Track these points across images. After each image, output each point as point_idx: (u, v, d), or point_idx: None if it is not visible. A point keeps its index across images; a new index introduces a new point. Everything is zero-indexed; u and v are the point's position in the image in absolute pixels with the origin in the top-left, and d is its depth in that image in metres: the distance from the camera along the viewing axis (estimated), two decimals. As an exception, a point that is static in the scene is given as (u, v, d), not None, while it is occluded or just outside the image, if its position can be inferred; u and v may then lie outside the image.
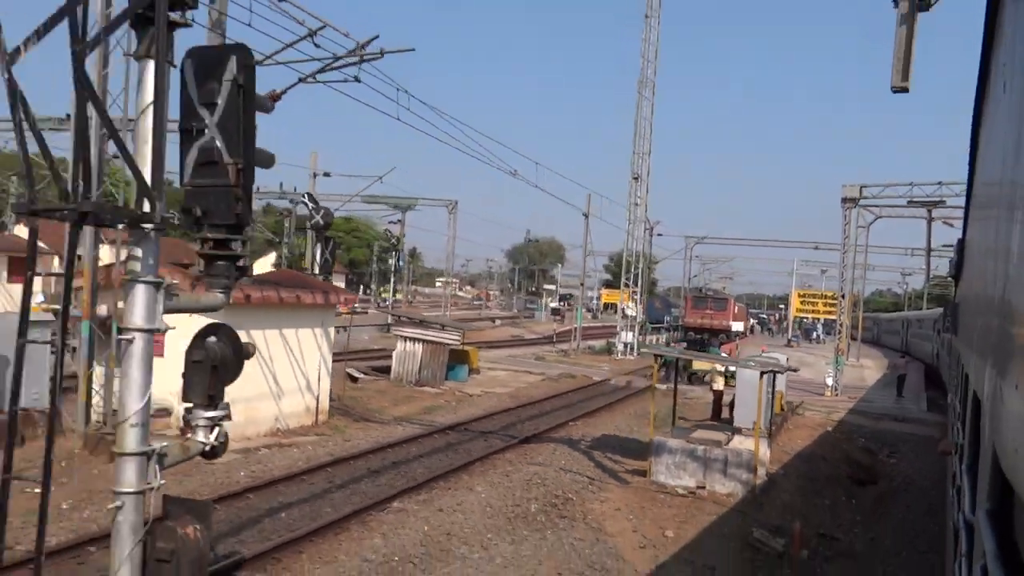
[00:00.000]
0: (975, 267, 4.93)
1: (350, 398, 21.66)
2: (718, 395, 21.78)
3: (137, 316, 4.54)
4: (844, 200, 33.08)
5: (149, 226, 4.41)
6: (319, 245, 22.51)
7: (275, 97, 13.75)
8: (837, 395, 31.12)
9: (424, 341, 26.88)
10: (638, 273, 49.91)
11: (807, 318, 61.03)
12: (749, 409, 16.59)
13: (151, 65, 4.32)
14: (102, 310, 15.35)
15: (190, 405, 5.32)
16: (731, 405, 19.64)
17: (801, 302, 51.83)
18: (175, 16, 4.40)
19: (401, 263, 72.58)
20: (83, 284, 14.84)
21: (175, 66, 4.54)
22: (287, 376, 17.57)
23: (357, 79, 15.19)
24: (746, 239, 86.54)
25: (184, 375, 5.19)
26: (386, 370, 26.76)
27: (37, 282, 36.74)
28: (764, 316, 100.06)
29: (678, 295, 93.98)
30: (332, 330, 19.39)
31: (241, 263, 5.13)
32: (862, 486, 17.35)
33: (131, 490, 4.48)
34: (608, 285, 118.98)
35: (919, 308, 73.23)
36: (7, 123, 30.07)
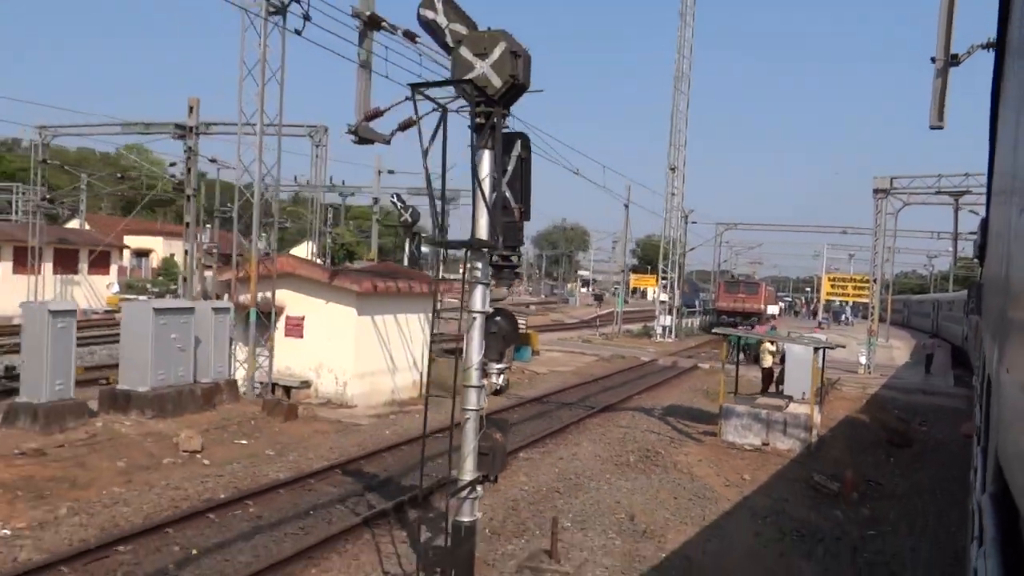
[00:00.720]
0: (994, 248, 4.99)
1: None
2: (767, 372, 24.36)
3: (476, 304, 7.31)
4: (876, 191, 35.40)
5: (485, 249, 7.20)
6: (408, 240, 25.36)
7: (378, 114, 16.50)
8: (870, 373, 33.59)
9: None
10: (675, 261, 52.37)
11: (837, 301, 63.12)
12: (798, 381, 19.21)
13: (487, 154, 7.09)
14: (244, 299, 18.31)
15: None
16: (779, 380, 22.24)
17: (831, 285, 54.01)
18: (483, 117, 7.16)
19: (424, 249, 75.38)
20: (251, 279, 17.79)
21: (491, 150, 7.30)
22: (400, 355, 20.48)
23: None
24: (775, 224, 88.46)
25: (486, 340, 7.84)
26: (453, 352, 29.63)
27: (112, 273, 40.28)
28: (789, 299, 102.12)
29: (702, 278, 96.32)
30: (425, 315, 22.29)
31: (517, 269, 7.90)
32: (899, 448, 19.94)
33: (473, 408, 7.30)
34: (635, 270, 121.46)
35: (944, 290, 75.07)
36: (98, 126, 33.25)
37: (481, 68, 6.99)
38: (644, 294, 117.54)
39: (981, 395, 5.42)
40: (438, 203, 7.06)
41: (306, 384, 18.58)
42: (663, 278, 52.22)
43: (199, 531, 9.70)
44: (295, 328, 18.58)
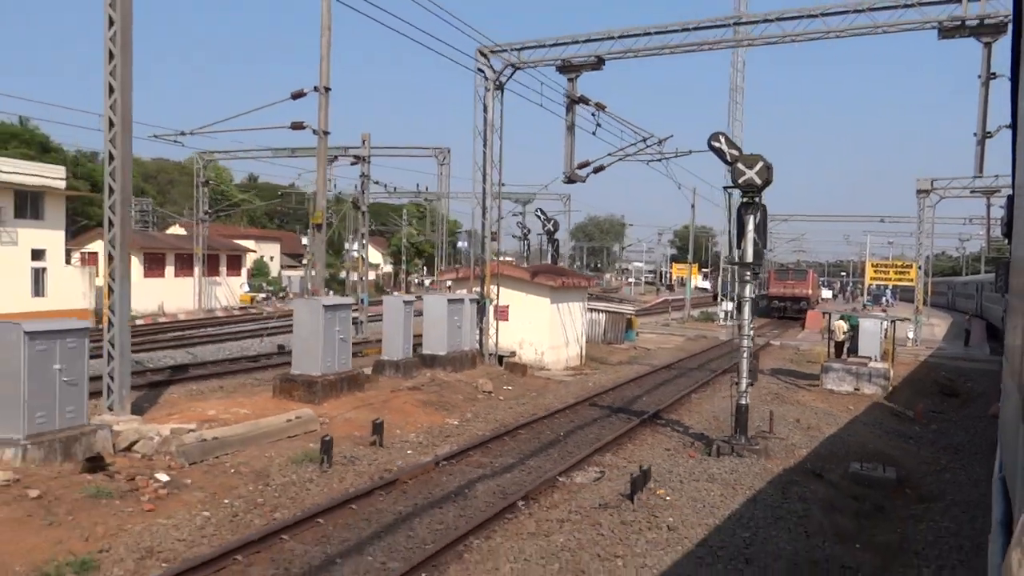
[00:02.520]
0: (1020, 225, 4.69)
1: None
2: (839, 344, 31.03)
3: (745, 292, 14.16)
4: (918, 191, 41.86)
5: (747, 272, 14.02)
6: (550, 246, 32.32)
7: (593, 168, 23.45)
8: (916, 345, 40.07)
9: (607, 312, 36.59)
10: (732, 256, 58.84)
11: (878, 285, 69.08)
12: (869, 348, 25.81)
13: (751, 217, 13.88)
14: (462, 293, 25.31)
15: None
16: (849, 349, 28.85)
17: (875, 270, 60.07)
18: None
19: (465, 245, 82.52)
20: (469, 279, 24.79)
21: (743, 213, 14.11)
22: (571, 333, 27.47)
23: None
24: (820, 216, 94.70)
25: (740, 310, 14.62)
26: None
27: (243, 275, 49.12)
28: (824, 283, 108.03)
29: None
30: (586, 303, 29.26)
31: (757, 280, 14.75)
32: (949, 396, 26.57)
33: (747, 347, 14.14)
34: (675, 260, 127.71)
35: (976, 271, 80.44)
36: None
37: (750, 174, 13.83)
38: (682, 282, 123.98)
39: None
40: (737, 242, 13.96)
41: (512, 354, 25.62)
42: (703, 268, 58.73)
43: (546, 426, 16.68)
44: (503, 313, 25.58)
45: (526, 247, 68.09)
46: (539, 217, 32.06)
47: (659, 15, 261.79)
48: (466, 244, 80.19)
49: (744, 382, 14.58)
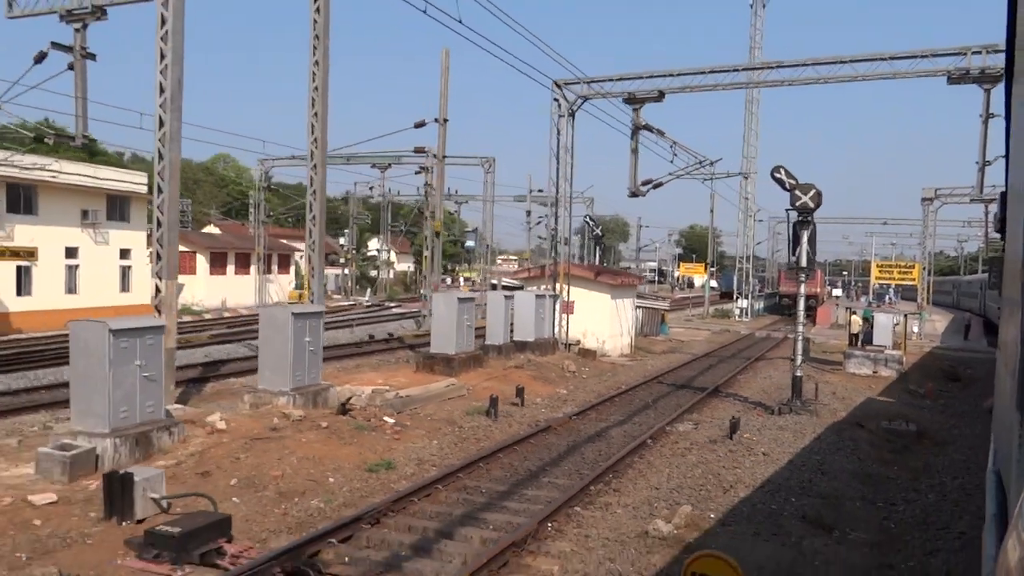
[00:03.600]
0: (1014, 221, 4.72)
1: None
2: (853, 335, 35.27)
3: (801, 289, 18.40)
4: (923, 199, 46.18)
5: (803, 274, 18.23)
6: (597, 248, 36.52)
7: (654, 184, 27.67)
8: (920, 339, 44.34)
9: (644, 308, 40.79)
10: (749, 256, 63.10)
11: (882, 284, 73.38)
12: (882, 338, 30.05)
13: (805, 233, 18.07)
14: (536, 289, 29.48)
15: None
16: (863, 340, 33.07)
17: (880, 270, 64.23)
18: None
19: (472, 244, 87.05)
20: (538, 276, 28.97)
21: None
22: (624, 324, 31.69)
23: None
24: (826, 218, 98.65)
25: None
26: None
27: (292, 273, 54.27)
28: (828, 281, 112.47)
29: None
30: (635, 299, 33.45)
31: (808, 279, 18.98)
32: (951, 380, 30.81)
33: (801, 334, 18.36)
34: (682, 259, 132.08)
35: (974, 271, 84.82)
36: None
37: (804, 199, 18.06)
38: (691, 282, 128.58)
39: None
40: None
41: (577, 342, 29.82)
42: (711, 267, 63.15)
43: (633, 396, 20.88)
44: (569, 307, 29.78)
45: (552, 247, 71.89)
46: (588, 223, 36.20)
47: (709, 53, 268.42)
48: (474, 243, 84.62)
49: (799, 358, 18.82)
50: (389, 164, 48.55)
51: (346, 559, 8.84)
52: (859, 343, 33.03)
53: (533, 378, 21.62)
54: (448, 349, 20.85)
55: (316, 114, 17.82)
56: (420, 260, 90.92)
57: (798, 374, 18.92)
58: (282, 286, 60.08)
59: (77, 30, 19.67)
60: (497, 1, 20.50)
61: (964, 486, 13.20)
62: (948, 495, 12.72)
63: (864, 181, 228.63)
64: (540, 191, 53.46)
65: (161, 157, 15.24)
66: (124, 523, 9.43)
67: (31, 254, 37.86)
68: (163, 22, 14.63)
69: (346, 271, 74.36)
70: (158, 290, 15.77)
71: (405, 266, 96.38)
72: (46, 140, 20.12)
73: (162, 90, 14.78)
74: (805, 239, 18.26)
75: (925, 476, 13.89)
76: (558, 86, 27.63)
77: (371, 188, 54.37)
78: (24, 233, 37.31)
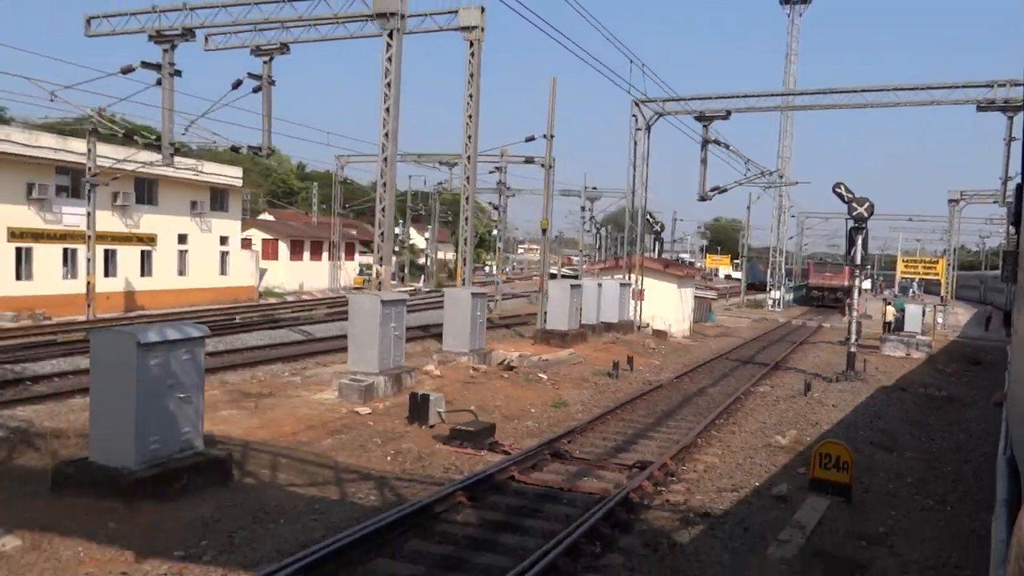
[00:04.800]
0: None
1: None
2: (887, 323, 39.66)
3: (858, 283, 22.92)
4: (950, 200, 50.40)
5: (858, 270, 22.75)
6: (657, 243, 41.04)
7: (720, 191, 32.17)
8: (943, 329, 48.61)
9: (696, 297, 45.30)
10: (781, 249, 67.29)
11: (907, 278, 77.42)
12: (912, 325, 34.46)
13: (860, 236, 22.56)
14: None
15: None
16: (895, 327, 37.44)
17: (905, 265, 68.27)
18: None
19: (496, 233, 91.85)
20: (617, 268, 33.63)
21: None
22: (686, 311, 36.28)
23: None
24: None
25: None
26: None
27: (356, 260, 59.72)
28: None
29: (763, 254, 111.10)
30: (694, 289, 38.01)
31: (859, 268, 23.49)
32: (973, 364, 35.18)
33: (852, 319, 22.89)
34: (708, 250, 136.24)
35: (996, 266, 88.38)
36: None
37: (860, 210, 22.55)
38: (715, 273, 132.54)
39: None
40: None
41: (646, 325, 34.44)
42: (735, 259, 67.48)
43: (711, 368, 25.45)
44: (640, 295, 34.38)
45: (597, 238, 76.81)
46: (649, 220, 40.68)
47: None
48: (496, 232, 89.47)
49: (854, 337, 23.38)
50: (455, 163, 53.25)
51: (576, 452, 13.55)
52: (892, 330, 37.47)
53: (628, 351, 26.27)
54: (562, 326, 25.60)
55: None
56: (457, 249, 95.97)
57: (852, 350, 23.49)
58: (348, 272, 65.01)
59: (265, 62, 24.39)
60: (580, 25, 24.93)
61: (986, 431, 17.71)
62: (973, 435, 17.27)
63: (888, 177, 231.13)
64: (595, 188, 58.13)
65: (383, 175, 19.96)
66: (422, 427, 14.21)
67: (152, 240, 42.97)
68: (387, 73, 19.35)
69: (395, 260, 79.49)
70: (378, 273, 20.51)
71: (442, 255, 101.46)
72: (240, 151, 24.90)
73: (385, 124, 19.49)
74: (860, 242, 22.77)
75: (955, 424, 18.45)
76: (636, 104, 32.13)
77: (440, 184, 58.96)
78: (147, 222, 42.36)
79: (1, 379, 16.80)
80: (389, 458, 12.53)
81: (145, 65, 22.06)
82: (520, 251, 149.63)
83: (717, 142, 31.02)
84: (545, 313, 26.86)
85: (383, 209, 20.13)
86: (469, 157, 22.46)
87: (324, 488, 10.78)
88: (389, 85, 18.89)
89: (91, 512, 8.87)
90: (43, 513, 8.88)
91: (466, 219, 22.70)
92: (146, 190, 42.59)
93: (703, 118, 31.30)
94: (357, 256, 68.82)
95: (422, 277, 75.63)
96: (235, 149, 24.20)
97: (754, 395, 20.25)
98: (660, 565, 8.62)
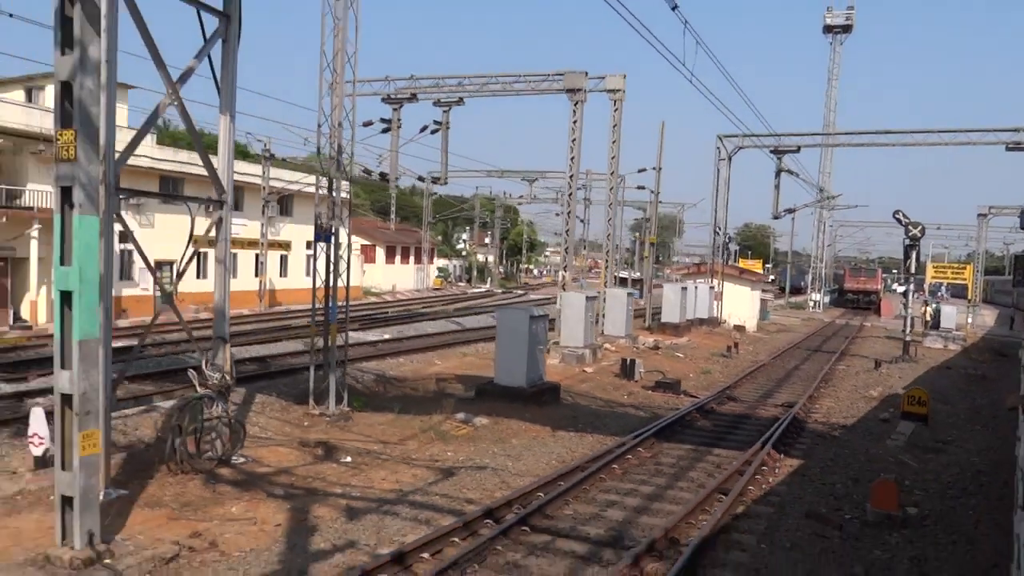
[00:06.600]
0: None
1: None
2: (926, 321, 46.21)
3: (902, 288, 29.70)
4: (979, 215, 56.86)
5: (911, 278, 29.51)
6: (724, 252, 47.84)
7: (790, 211, 38.97)
8: (972, 328, 55.05)
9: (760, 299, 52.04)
10: (821, 256, 73.72)
11: (936, 283, 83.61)
12: (948, 323, 41.04)
13: (913, 251, 29.28)
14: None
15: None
16: (932, 326, 43.95)
17: (935, 270, 74.31)
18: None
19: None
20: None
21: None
22: (756, 309, 43.09)
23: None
24: (880, 222, 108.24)
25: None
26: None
27: (436, 264, 67.36)
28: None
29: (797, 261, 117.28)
30: (761, 291, 44.83)
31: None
32: (1000, 356, 41.69)
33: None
34: (739, 255, 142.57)
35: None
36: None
37: (914, 231, 29.33)
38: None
39: None
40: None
41: (725, 321, 41.26)
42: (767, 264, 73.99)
43: (790, 355, 32.25)
44: (719, 296, 41.21)
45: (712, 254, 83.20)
46: (717, 232, 47.45)
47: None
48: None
49: (908, 330, 30.15)
50: (536, 179, 60.42)
51: (740, 397, 20.46)
52: (930, 327, 44.09)
53: (725, 340, 33.20)
54: (675, 319, 32.62)
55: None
56: (514, 252, 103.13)
57: (908, 339, 30.26)
58: (428, 274, 72.25)
59: (445, 111, 31.46)
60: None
61: (1009, 391, 24.47)
62: (1001, 399, 23.99)
63: (916, 188, 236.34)
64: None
65: (568, 204, 26.98)
66: (630, 381, 21.22)
67: (287, 246, 50.31)
68: (572, 131, 26.45)
69: (454, 263, 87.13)
70: (563, 277, 27.60)
71: (482, 257, 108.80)
72: (424, 180, 32.05)
73: (570, 168, 26.66)
74: (913, 256, 29.55)
75: (989, 391, 25.23)
76: (720, 139, 39.02)
77: (520, 197, 65.95)
78: (285, 231, 49.72)
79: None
80: (625, 397, 19.58)
81: (383, 120, 29.24)
82: (546, 254, 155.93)
83: (790, 172, 37.84)
84: (655, 309, 33.79)
85: (567, 231, 27.86)
86: (612, 188, 29.48)
87: (609, 406, 17.85)
88: (574, 141, 25.96)
89: (508, 408, 15.96)
90: (482, 408, 15.98)
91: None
92: (285, 204, 49.96)
93: (777, 151, 38.12)
94: (436, 260, 76.09)
95: (489, 279, 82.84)
96: (420, 179, 31.28)
97: (837, 371, 27.10)
98: (830, 443, 15.57)
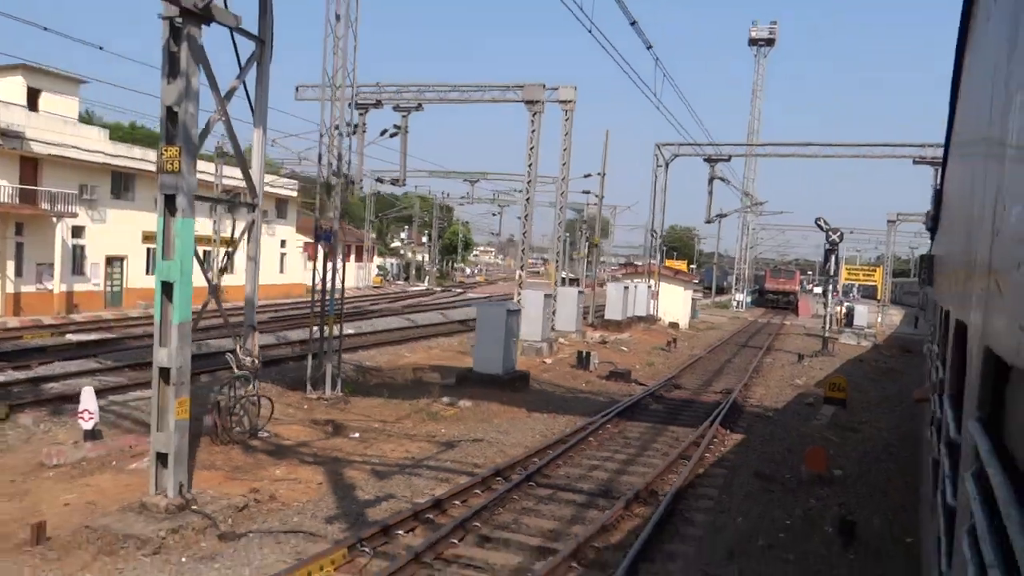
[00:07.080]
0: (953, 214, 5.17)
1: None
2: (839, 319, 50.05)
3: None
4: (889, 221, 61.55)
5: (830, 280, 32.62)
6: (659, 253, 50.70)
7: (721, 216, 41.91)
8: (881, 326, 59.59)
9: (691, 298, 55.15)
10: (744, 258, 77.83)
11: (848, 284, 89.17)
12: (860, 322, 44.84)
13: (831, 259, 32.36)
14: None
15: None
16: (846, 322, 47.80)
17: (848, 272, 79.36)
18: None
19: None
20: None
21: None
22: (687, 308, 45.97)
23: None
24: (798, 225, 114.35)
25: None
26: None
27: (375, 262, 69.08)
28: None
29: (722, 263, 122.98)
30: (692, 292, 47.76)
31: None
32: (906, 352, 45.74)
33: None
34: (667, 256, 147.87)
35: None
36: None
37: (833, 236, 32.43)
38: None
39: (942, 349, 6.01)
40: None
41: (660, 319, 43.94)
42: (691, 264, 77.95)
43: (724, 349, 35.08)
44: (656, 296, 43.88)
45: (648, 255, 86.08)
46: (653, 236, 50.22)
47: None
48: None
49: (827, 327, 33.26)
50: (478, 179, 62.21)
51: (684, 385, 22.78)
52: (845, 325, 47.88)
53: (663, 336, 35.74)
54: (617, 316, 34.96)
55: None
56: (449, 252, 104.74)
57: (826, 335, 33.35)
58: (369, 272, 73.12)
59: (404, 116, 32.98)
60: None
61: (914, 382, 27.65)
62: (906, 388, 27.13)
63: (827, 190, 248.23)
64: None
65: (525, 208, 28.83)
66: (586, 371, 23.29)
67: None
68: (530, 140, 28.30)
69: (391, 261, 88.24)
70: (520, 276, 29.32)
71: (417, 256, 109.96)
72: (383, 181, 33.48)
73: (528, 174, 28.44)
74: (832, 261, 32.63)
75: (895, 381, 28.37)
76: (659, 147, 41.63)
77: (462, 197, 67.53)
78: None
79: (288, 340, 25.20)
80: (584, 384, 21.63)
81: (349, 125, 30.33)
82: (475, 253, 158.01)
83: (722, 179, 40.75)
84: (599, 307, 36.08)
85: (524, 234, 29.48)
86: (563, 193, 31.55)
87: (572, 392, 19.86)
88: (532, 149, 27.88)
89: (487, 393, 17.76)
90: (463, 393, 17.73)
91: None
92: (232, 199, 50.14)
93: (710, 160, 40.95)
94: (375, 258, 76.96)
95: (425, 278, 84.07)
96: (380, 180, 32.72)
97: (765, 363, 29.86)
98: (765, 422, 17.94)
